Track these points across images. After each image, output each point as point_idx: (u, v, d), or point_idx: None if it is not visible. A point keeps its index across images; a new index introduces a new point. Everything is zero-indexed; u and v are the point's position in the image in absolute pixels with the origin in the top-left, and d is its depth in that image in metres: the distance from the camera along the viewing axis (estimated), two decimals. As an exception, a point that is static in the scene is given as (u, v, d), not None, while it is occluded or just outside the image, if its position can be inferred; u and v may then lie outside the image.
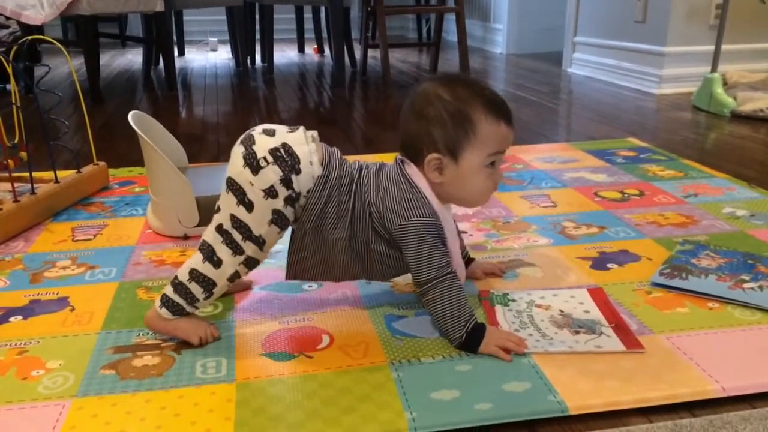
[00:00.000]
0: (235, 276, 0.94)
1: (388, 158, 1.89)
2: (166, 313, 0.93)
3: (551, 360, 0.88)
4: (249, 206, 0.90)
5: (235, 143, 0.94)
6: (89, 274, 1.17)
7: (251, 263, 0.94)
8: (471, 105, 0.92)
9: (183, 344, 0.93)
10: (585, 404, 0.79)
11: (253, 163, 0.90)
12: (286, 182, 0.90)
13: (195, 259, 0.93)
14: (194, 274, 0.92)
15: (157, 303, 0.94)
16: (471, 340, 0.90)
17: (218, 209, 0.93)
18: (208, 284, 0.92)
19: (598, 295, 1.06)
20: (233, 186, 0.91)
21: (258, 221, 0.91)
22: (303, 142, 0.93)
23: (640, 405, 0.80)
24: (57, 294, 1.10)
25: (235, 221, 0.91)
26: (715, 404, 0.81)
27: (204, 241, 0.93)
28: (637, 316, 1.00)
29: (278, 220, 0.92)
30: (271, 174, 0.90)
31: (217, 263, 0.92)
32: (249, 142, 0.92)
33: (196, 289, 0.92)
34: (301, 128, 0.95)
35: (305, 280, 1.01)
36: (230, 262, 0.92)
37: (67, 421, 0.78)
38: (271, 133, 0.93)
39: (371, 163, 1.00)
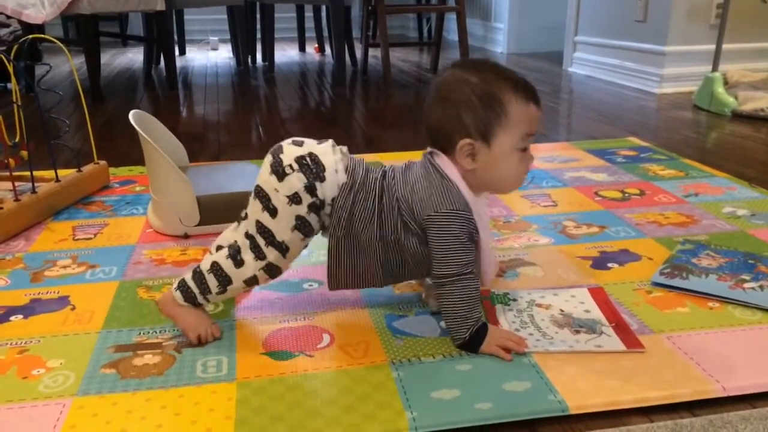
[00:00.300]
0: (253, 281, 0.95)
1: (389, 158, 1.90)
2: (179, 297, 0.94)
3: (551, 359, 0.88)
4: (273, 212, 0.92)
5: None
6: (90, 273, 1.17)
7: (272, 270, 0.95)
8: (499, 86, 0.91)
9: (184, 343, 0.94)
10: (585, 404, 0.79)
11: (279, 171, 0.92)
12: (311, 189, 0.92)
13: (220, 254, 0.95)
14: (215, 267, 0.94)
15: (174, 285, 0.95)
16: (473, 341, 0.90)
17: (246, 216, 0.95)
18: (224, 280, 0.93)
19: (598, 294, 1.06)
20: (260, 193, 0.93)
21: (281, 227, 0.92)
22: (330, 152, 0.94)
23: (641, 404, 0.80)
24: (58, 293, 1.10)
25: (260, 227, 0.93)
26: (715, 404, 0.81)
27: (234, 240, 0.95)
28: (638, 315, 1.00)
29: (301, 226, 0.93)
30: (296, 181, 0.91)
31: (239, 263, 0.93)
32: (277, 151, 0.94)
33: (212, 281, 0.93)
34: (330, 141, 0.97)
35: (347, 289, 1.00)
36: (251, 266, 0.93)
37: (67, 420, 0.78)
38: (299, 144, 0.95)
39: (398, 164, 1.00)
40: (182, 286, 0.95)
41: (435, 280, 0.94)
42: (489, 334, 0.90)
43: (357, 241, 0.94)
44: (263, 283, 0.96)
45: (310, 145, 0.95)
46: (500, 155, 0.92)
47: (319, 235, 0.98)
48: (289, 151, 0.93)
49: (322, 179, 0.92)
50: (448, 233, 0.91)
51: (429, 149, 0.97)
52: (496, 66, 0.95)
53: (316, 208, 0.93)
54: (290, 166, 0.92)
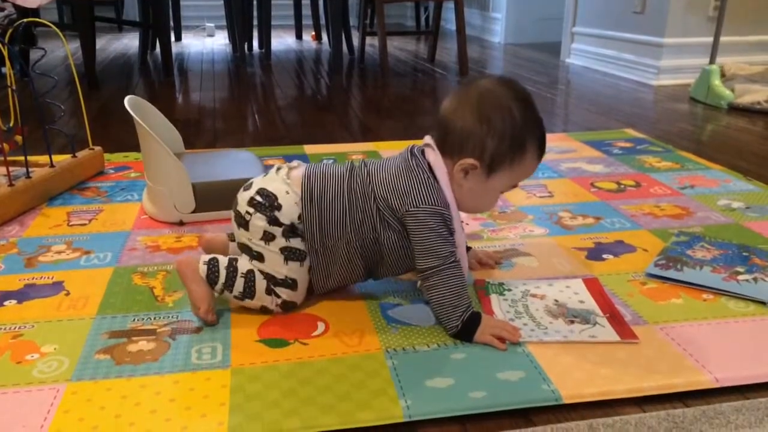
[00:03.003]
0: (267, 311, 0.97)
1: (385, 147, 1.89)
2: (203, 271, 0.94)
3: (546, 349, 0.88)
4: (260, 258, 0.95)
5: None
6: (84, 259, 1.17)
7: (287, 306, 0.97)
8: (530, 135, 0.93)
9: (178, 330, 0.94)
10: (579, 393, 0.80)
11: (241, 221, 0.95)
12: (274, 221, 0.94)
13: (258, 269, 0.96)
14: (249, 276, 0.95)
15: (206, 258, 0.96)
16: (466, 329, 0.90)
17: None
18: (249, 293, 0.95)
19: (593, 285, 1.06)
20: (243, 247, 0.97)
21: (275, 265, 0.95)
22: (275, 178, 0.96)
23: (634, 395, 0.80)
24: (52, 278, 1.09)
25: (260, 273, 0.95)
26: (707, 395, 0.81)
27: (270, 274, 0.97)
28: (632, 306, 1.00)
29: (291, 255, 0.95)
30: (258, 221, 0.94)
31: (266, 292, 0.96)
32: (234, 206, 0.97)
33: (239, 285, 0.95)
34: (275, 166, 0.99)
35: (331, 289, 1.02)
36: (268, 300, 0.96)
37: (61, 405, 0.78)
38: (248, 187, 0.98)
39: (371, 160, 1.00)
40: (213, 266, 0.95)
41: (419, 274, 0.94)
42: (483, 323, 0.90)
43: (335, 248, 0.95)
44: (276, 311, 0.97)
45: (257, 181, 0.97)
46: (489, 188, 0.96)
47: None
48: (242, 198, 0.96)
49: (279, 207, 0.94)
50: (426, 227, 0.91)
51: (424, 141, 0.97)
52: (534, 105, 0.95)
53: (290, 232, 0.95)
54: (247, 212, 0.95)
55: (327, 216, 0.94)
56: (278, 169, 0.99)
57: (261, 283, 0.95)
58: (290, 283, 0.96)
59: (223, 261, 0.96)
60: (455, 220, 0.94)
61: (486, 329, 0.90)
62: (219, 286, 0.95)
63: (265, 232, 0.94)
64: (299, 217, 0.94)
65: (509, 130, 0.91)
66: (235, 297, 0.95)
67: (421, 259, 0.92)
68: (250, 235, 0.95)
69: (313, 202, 0.94)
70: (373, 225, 0.94)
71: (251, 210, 0.94)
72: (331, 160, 1.01)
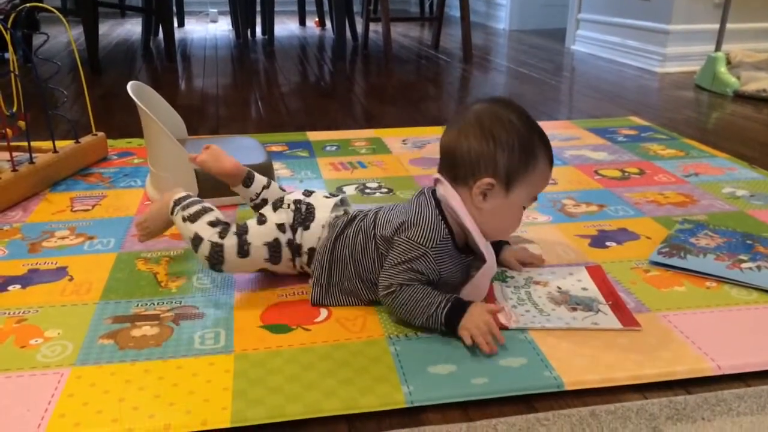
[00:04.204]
0: (198, 241, 0.98)
1: (389, 133, 1.89)
2: (180, 193, 1.05)
3: (548, 336, 0.88)
4: (261, 222, 0.99)
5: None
6: (88, 245, 1.17)
7: (216, 253, 0.97)
8: (537, 141, 0.91)
9: (182, 315, 0.94)
10: (581, 380, 0.80)
11: (277, 204, 1.01)
12: (293, 229, 0.98)
13: (216, 212, 1.02)
14: (204, 208, 1.01)
15: (181, 194, 1.05)
16: (449, 324, 0.86)
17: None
18: (193, 217, 1.00)
19: (596, 272, 1.06)
20: (258, 216, 1.01)
21: (258, 235, 0.98)
22: (328, 209, 0.99)
23: (636, 382, 0.81)
24: (55, 264, 1.10)
25: (242, 224, 0.99)
26: (710, 382, 0.81)
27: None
28: (635, 294, 1.00)
29: (273, 248, 0.98)
30: (284, 215, 0.99)
31: (210, 224, 0.99)
32: (286, 192, 1.05)
33: (191, 209, 1.01)
34: (339, 197, 1.03)
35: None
36: (209, 232, 0.98)
37: (65, 389, 0.78)
38: (308, 194, 1.03)
39: (390, 205, 1.00)
40: (187, 196, 1.04)
41: (379, 291, 0.91)
42: (468, 313, 0.86)
43: (339, 285, 0.96)
44: (197, 253, 0.99)
45: (315, 197, 1.01)
46: (511, 205, 0.92)
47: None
48: (295, 195, 1.02)
49: (306, 227, 0.98)
50: (402, 257, 0.89)
51: (433, 178, 0.95)
52: (529, 116, 0.93)
53: (293, 246, 0.98)
54: (288, 204, 1.00)
55: (337, 258, 0.95)
56: (336, 205, 1.01)
57: (210, 217, 1.00)
58: (243, 251, 0.97)
59: (198, 198, 1.03)
60: (480, 243, 0.90)
61: (468, 323, 0.85)
62: (178, 208, 1.02)
63: (282, 224, 0.98)
64: (310, 249, 0.98)
65: (517, 140, 0.89)
66: (182, 218, 1.00)
67: (383, 276, 0.90)
68: (273, 216, 0.99)
69: (328, 246, 0.96)
70: (373, 268, 0.93)
71: (292, 207, 0.99)
72: (358, 205, 1.03)
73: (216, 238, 0.97)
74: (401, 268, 0.89)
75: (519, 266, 1.07)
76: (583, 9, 3.51)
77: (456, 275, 0.93)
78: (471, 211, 0.91)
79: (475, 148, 0.90)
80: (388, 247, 0.92)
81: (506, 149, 0.89)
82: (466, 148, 0.90)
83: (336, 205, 1.01)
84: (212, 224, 0.99)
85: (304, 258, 0.98)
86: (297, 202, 1.00)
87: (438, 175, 0.94)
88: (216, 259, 0.97)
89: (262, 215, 1.00)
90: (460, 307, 0.86)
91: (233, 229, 0.98)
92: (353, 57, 3.38)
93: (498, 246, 1.06)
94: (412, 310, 0.88)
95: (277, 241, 0.98)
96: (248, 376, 0.80)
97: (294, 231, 0.98)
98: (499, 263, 1.05)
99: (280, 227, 0.98)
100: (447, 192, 0.91)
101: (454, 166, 0.92)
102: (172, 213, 1.03)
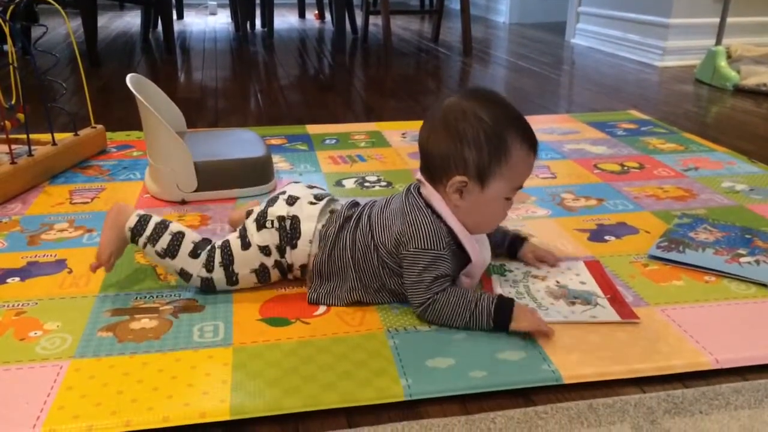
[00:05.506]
0: (186, 276, 0.96)
1: (388, 127, 1.88)
2: (132, 221, 0.97)
3: (547, 330, 0.89)
4: (246, 246, 0.96)
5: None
6: (87, 237, 1.17)
7: (208, 285, 0.96)
8: (508, 130, 0.88)
9: (181, 308, 0.94)
10: (579, 374, 0.80)
11: (260, 221, 0.96)
12: (280, 250, 0.95)
13: (231, 245, 0.96)
14: (176, 237, 0.96)
15: (142, 212, 0.98)
16: (500, 320, 0.87)
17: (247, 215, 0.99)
18: (171, 250, 0.95)
19: (595, 267, 1.06)
20: (241, 231, 0.97)
21: (243, 262, 0.96)
22: (315, 218, 0.96)
23: (634, 375, 0.81)
24: (54, 256, 1.10)
25: (226, 247, 0.96)
26: (707, 376, 0.81)
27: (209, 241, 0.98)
28: (633, 288, 1.00)
29: (261, 273, 0.97)
30: (269, 237, 0.95)
31: (195, 253, 0.96)
32: (270, 203, 0.97)
33: (163, 240, 0.95)
34: (324, 201, 0.98)
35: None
36: (196, 267, 0.96)
37: (64, 381, 0.78)
38: (291, 202, 0.97)
39: (381, 198, 0.99)
40: (143, 220, 0.97)
41: (415, 309, 0.91)
42: (516, 312, 0.87)
43: (339, 290, 0.95)
44: (187, 284, 0.97)
45: (300, 206, 0.96)
46: (489, 199, 0.91)
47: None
48: (278, 208, 0.96)
49: (294, 246, 0.95)
50: (419, 266, 0.89)
51: (416, 178, 0.95)
52: (506, 104, 0.92)
53: (282, 267, 0.97)
54: (271, 222, 0.95)
55: (335, 267, 0.95)
56: (322, 210, 0.97)
57: (187, 246, 0.96)
58: (233, 281, 0.96)
59: (156, 218, 0.97)
60: (467, 243, 0.91)
61: (523, 315, 0.87)
62: (143, 239, 0.96)
63: (267, 246, 0.95)
64: (302, 266, 0.96)
65: (482, 135, 0.87)
66: (157, 253, 0.95)
67: (412, 295, 0.90)
68: (256, 236, 0.95)
69: (324, 254, 0.95)
70: (377, 275, 0.93)
71: (276, 225, 0.95)
72: (345, 200, 1.01)
73: (204, 273, 0.95)
74: (425, 278, 0.89)
75: (536, 262, 1.07)
76: (584, 2, 3.50)
77: (456, 271, 0.94)
78: (451, 209, 0.91)
79: (444, 147, 0.89)
80: (396, 261, 0.92)
81: (473, 146, 0.87)
82: (435, 148, 0.90)
83: (322, 211, 0.97)
84: (194, 254, 0.96)
85: (297, 273, 0.98)
86: (281, 219, 0.95)
87: (419, 176, 0.94)
88: (208, 289, 0.97)
89: (245, 233, 0.96)
90: (508, 300, 0.88)
91: (218, 258, 0.95)
92: (353, 50, 3.38)
93: (519, 242, 1.08)
94: (454, 311, 0.88)
95: (263, 265, 0.96)
96: (247, 369, 0.80)
97: (281, 251, 0.95)
98: (519, 258, 1.07)
99: (264, 250, 0.95)
100: (428, 192, 0.92)
101: (430, 166, 0.92)
102: (134, 242, 0.97)
